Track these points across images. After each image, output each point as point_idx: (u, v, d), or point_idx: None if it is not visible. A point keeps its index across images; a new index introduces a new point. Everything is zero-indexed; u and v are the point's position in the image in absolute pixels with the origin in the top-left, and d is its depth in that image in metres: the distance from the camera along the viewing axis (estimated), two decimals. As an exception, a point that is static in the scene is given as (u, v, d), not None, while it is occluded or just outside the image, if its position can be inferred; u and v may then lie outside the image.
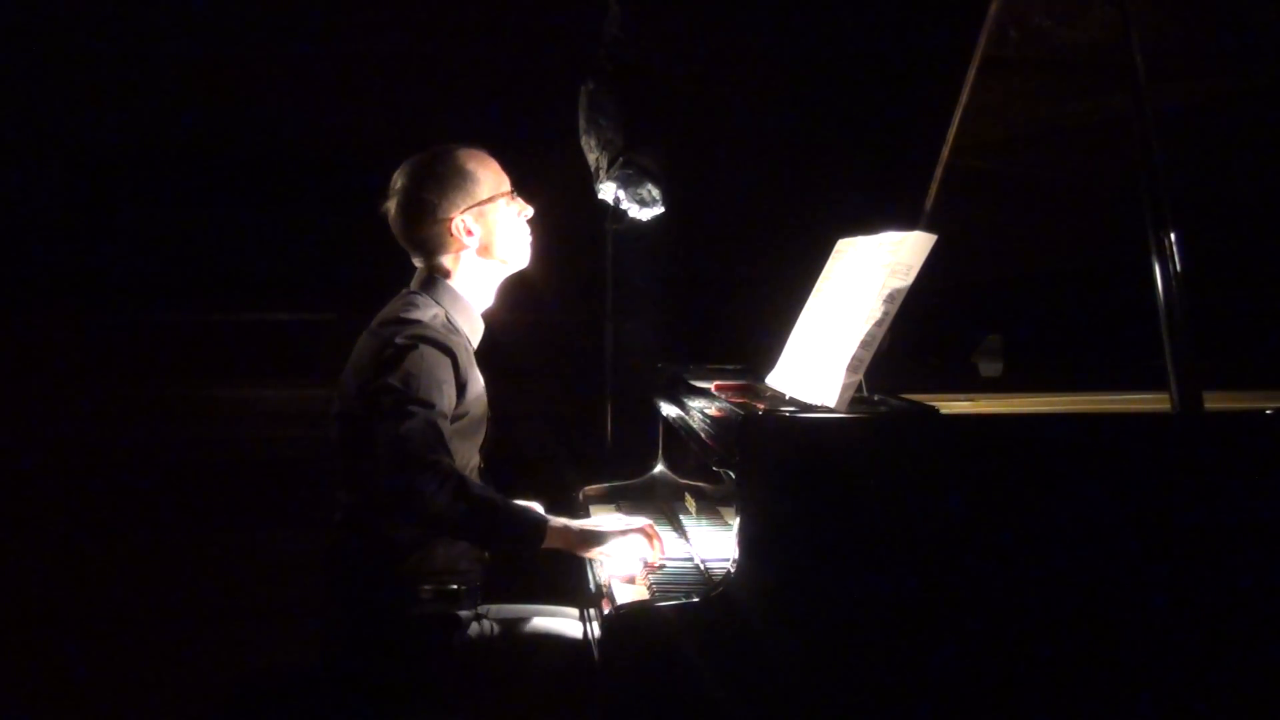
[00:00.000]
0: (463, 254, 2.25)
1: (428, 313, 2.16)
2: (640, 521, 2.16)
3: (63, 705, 3.51)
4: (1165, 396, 1.94)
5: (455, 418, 2.11)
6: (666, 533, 2.42)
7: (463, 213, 2.21)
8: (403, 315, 2.13)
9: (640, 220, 3.42)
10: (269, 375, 4.47)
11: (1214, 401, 1.94)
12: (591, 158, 3.42)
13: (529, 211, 2.32)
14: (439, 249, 2.24)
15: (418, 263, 2.29)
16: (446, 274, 2.25)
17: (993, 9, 2.19)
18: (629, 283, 3.80)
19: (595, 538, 2.10)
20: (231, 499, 4.37)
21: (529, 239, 2.33)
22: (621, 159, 3.30)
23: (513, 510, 2.06)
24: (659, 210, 3.38)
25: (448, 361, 2.09)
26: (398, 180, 2.25)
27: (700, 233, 4.59)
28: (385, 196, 2.27)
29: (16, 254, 4.99)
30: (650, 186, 3.32)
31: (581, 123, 3.44)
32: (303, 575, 2.31)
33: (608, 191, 3.39)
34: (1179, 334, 1.92)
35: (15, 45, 5.02)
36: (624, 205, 3.39)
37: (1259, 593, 1.88)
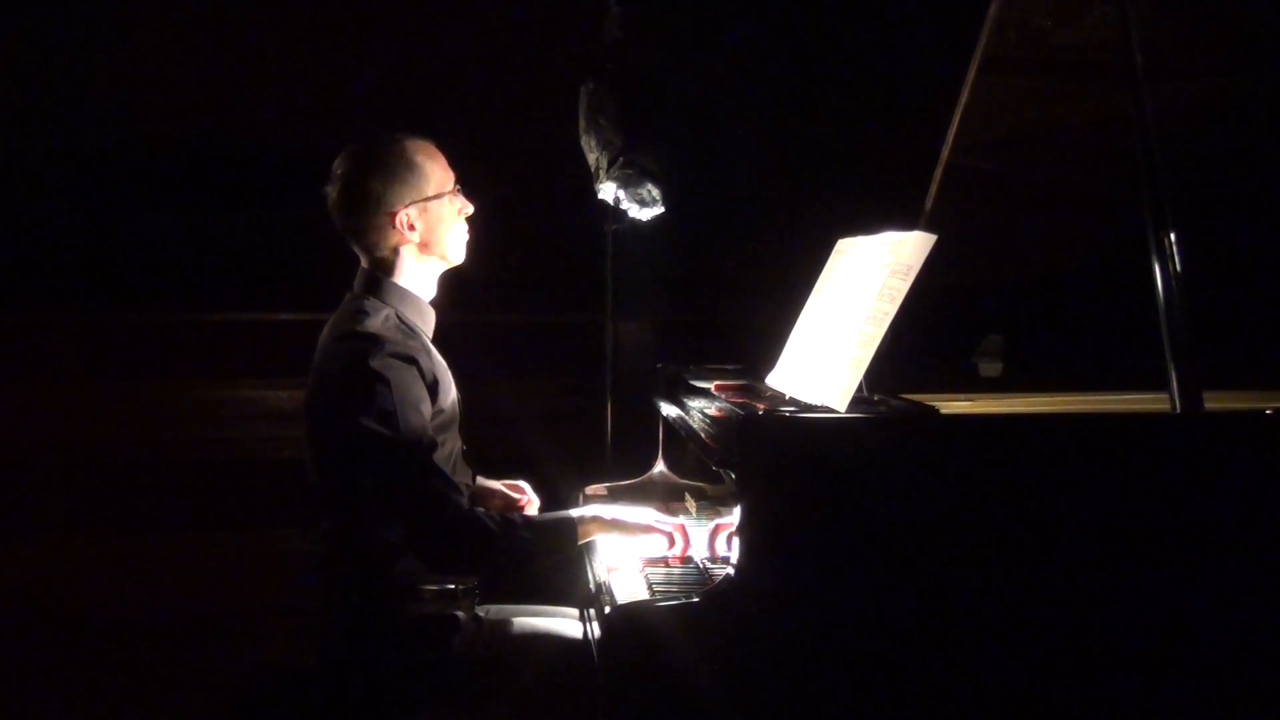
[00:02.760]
0: (403, 248, 2.19)
1: (379, 317, 2.11)
2: (673, 520, 2.19)
3: (62, 705, 3.51)
4: (1165, 396, 1.93)
5: (434, 414, 2.10)
6: None
7: (407, 207, 2.15)
8: (357, 328, 2.06)
9: (640, 220, 3.41)
10: (270, 375, 4.46)
11: (1214, 401, 1.94)
12: (591, 158, 3.42)
13: (470, 209, 2.26)
14: (379, 241, 2.18)
15: (360, 256, 2.23)
16: (389, 270, 2.20)
17: (993, 9, 2.18)
18: (629, 283, 3.80)
19: (628, 528, 2.13)
20: (232, 498, 4.36)
21: (467, 236, 2.28)
22: (621, 159, 3.29)
23: (542, 525, 2.07)
24: (659, 210, 3.38)
25: (414, 369, 2.05)
26: (341, 165, 2.18)
27: (700, 233, 4.59)
28: (327, 181, 2.20)
29: (17, 254, 4.99)
30: (650, 187, 3.32)
31: (581, 123, 3.44)
32: (302, 575, 2.31)
33: (608, 192, 3.39)
34: (1179, 334, 1.91)
35: (15, 45, 5.01)
36: (624, 205, 3.39)
37: (1259, 593, 1.87)
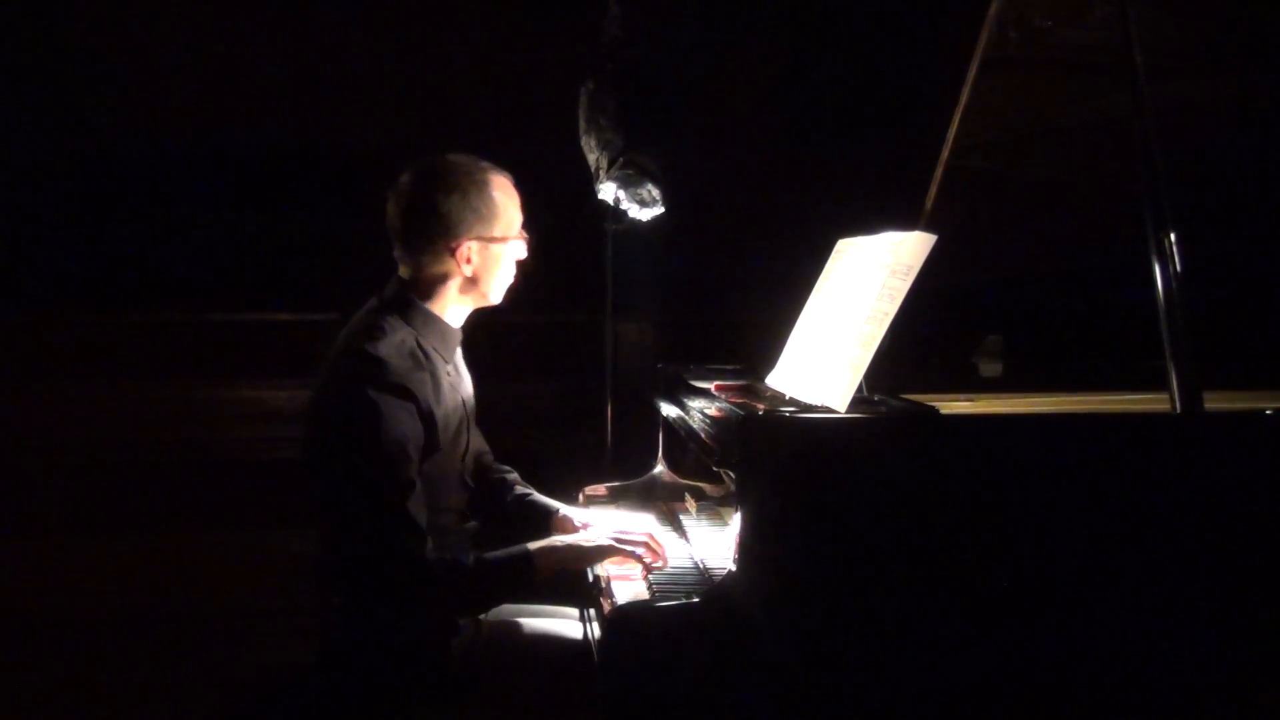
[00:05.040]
0: (451, 280, 2.12)
1: (394, 339, 2.03)
2: (639, 536, 2.12)
3: (62, 705, 3.50)
4: (1165, 396, 1.93)
5: (429, 452, 2.04)
6: (667, 533, 2.43)
7: (471, 240, 2.08)
8: (368, 350, 1.98)
9: (640, 220, 3.41)
10: (269, 375, 4.45)
11: (1214, 401, 1.93)
12: (591, 158, 3.42)
13: (524, 254, 2.19)
14: (430, 266, 2.10)
15: (401, 269, 2.15)
16: (427, 294, 2.12)
17: (993, 9, 2.18)
18: (629, 283, 3.80)
19: (587, 556, 2.08)
20: (231, 499, 4.36)
21: (511, 280, 2.21)
22: (621, 159, 3.29)
23: (495, 565, 2.00)
24: (659, 210, 3.38)
25: (410, 407, 1.98)
26: (413, 178, 2.09)
27: (700, 233, 4.59)
28: (392, 187, 2.12)
29: (17, 254, 4.98)
30: (650, 186, 3.32)
31: (581, 123, 3.44)
32: (302, 576, 2.30)
33: (608, 192, 3.39)
34: (1179, 334, 1.91)
35: (15, 46, 5.01)
36: (624, 205, 3.38)
37: (1260, 592, 1.87)
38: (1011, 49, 2.22)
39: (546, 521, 2.38)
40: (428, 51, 5.10)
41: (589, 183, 3.47)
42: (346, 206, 4.95)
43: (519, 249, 2.17)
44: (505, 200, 2.12)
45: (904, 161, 2.73)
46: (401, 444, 1.95)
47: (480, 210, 2.08)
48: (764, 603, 1.80)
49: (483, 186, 2.09)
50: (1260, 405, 2.01)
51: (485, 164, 2.13)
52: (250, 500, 4.30)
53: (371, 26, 5.15)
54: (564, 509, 2.42)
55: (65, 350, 4.54)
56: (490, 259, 2.12)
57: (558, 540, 2.09)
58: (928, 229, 2.01)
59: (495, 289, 2.17)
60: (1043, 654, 1.85)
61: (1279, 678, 1.89)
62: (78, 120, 5.10)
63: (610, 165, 3.30)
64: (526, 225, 2.19)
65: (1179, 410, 1.91)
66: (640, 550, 2.09)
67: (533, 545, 2.03)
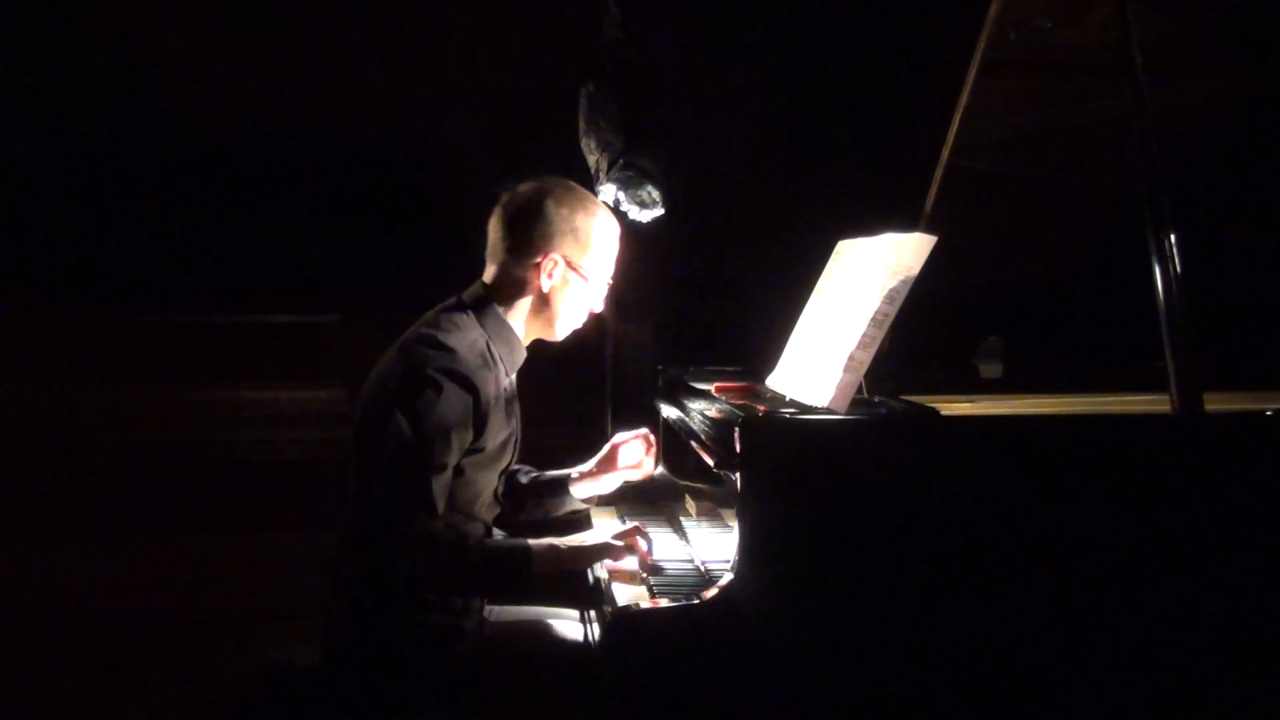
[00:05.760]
0: (529, 291, 2.16)
1: (468, 336, 2.09)
2: (628, 528, 2.17)
3: (65, 706, 3.51)
4: (1165, 398, 1.93)
5: (473, 451, 2.08)
6: (666, 534, 2.44)
7: (562, 255, 2.13)
8: (440, 338, 2.05)
9: (640, 222, 3.41)
10: (270, 377, 4.45)
11: (1214, 402, 1.93)
12: (591, 159, 3.42)
13: (600, 306, 2.25)
14: (514, 267, 2.15)
15: (488, 271, 2.19)
16: (504, 300, 2.17)
17: (993, 10, 2.18)
18: (629, 284, 3.79)
19: (585, 555, 2.12)
20: (231, 501, 4.36)
21: (579, 326, 2.27)
22: (621, 161, 3.29)
23: (495, 555, 2.06)
24: (659, 212, 3.38)
25: (469, 400, 2.03)
26: (535, 184, 2.16)
27: (700, 234, 4.58)
28: (511, 184, 2.18)
29: (19, 254, 4.98)
30: (650, 188, 3.32)
31: (581, 124, 3.44)
32: (305, 578, 2.31)
33: (608, 193, 3.39)
34: (1179, 335, 1.91)
35: (14, 46, 5.01)
36: (624, 207, 3.38)
37: (1260, 594, 1.87)
38: (1011, 50, 2.22)
39: (566, 487, 2.47)
40: (428, 53, 5.10)
41: (589, 184, 3.47)
42: (348, 208, 4.96)
43: (597, 293, 2.22)
44: (605, 239, 2.19)
45: (904, 162, 2.72)
46: (447, 428, 1.99)
47: (579, 232, 2.15)
48: (764, 604, 1.80)
49: (591, 215, 2.17)
50: (1260, 405, 2.01)
51: (605, 204, 2.23)
52: (250, 503, 4.30)
53: (372, 28, 5.15)
54: (575, 470, 2.49)
55: (64, 351, 4.54)
56: (569, 284, 2.17)
57: (558, 541, 2.11)
58: (927, 230, 2.01)
59: (564, 318, 2.21)
60: (1044, 655, 1.85)
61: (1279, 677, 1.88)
62: (79, 121, 5.10)
63: (610, 167, 3.30)
64: (615, 278, 2.24)
65: (1179, 411, 1.90)
66: (636, 538, 2.13)
67: (533, 542, 2.07)
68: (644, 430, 2.45)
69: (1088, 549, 1.85)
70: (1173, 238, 1.94)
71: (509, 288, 2.17)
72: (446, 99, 4.98)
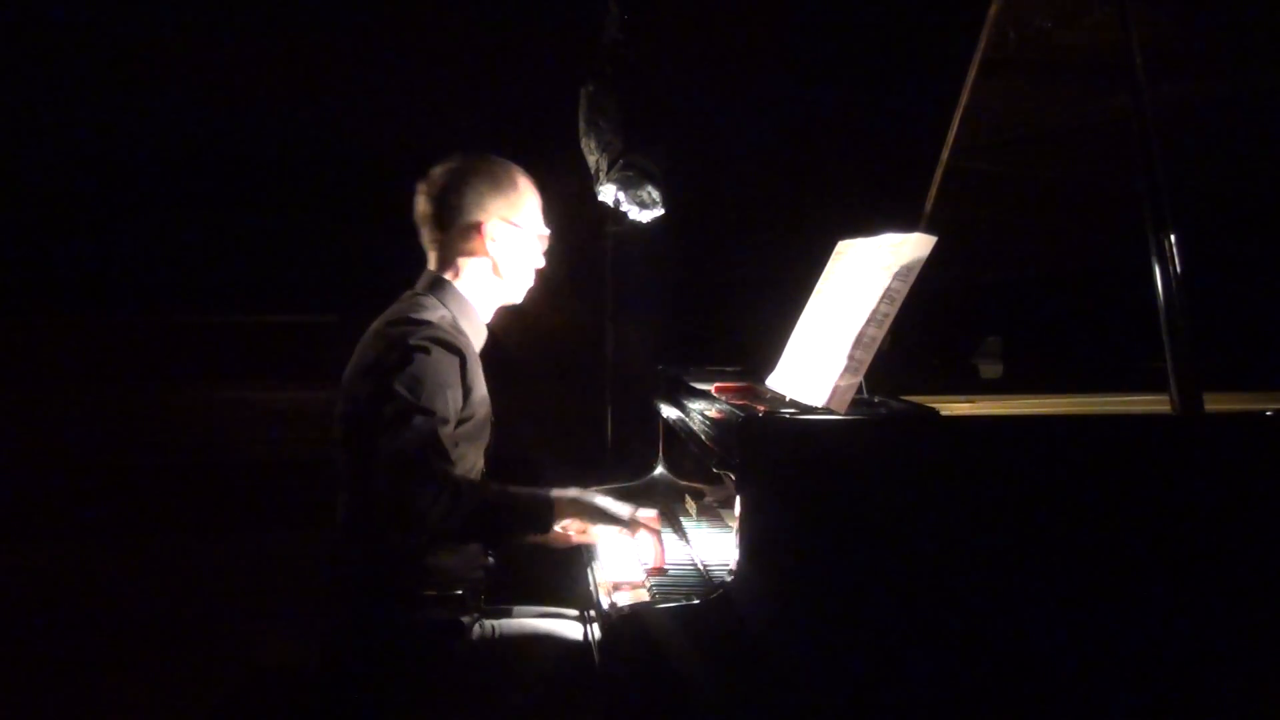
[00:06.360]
0: (476, 261, 2.24)
1: (435, 314, 2.15)
2: (650, 513, 2.16)
3: (62, 706, 3.49)
4: (1165, 398, 1.93)
5: (460, 421, 2.11)
6: (667, 535, 2.40)
7: (499, 220, 2.22)
8: (412, 315, 2.12)
9: (640, 222, 3.40)
10: (270, 377, 4.45)
11: (1214, 403, 1.93)
12: (591, 160, 3.42)
13: (542, 263, 2.32)
14: (459, 246, 2.23)
15: (431, 259, 2.27)
16: (455, 274, 2.24)
17: (993, 10, 2.18)
18: (629, 284, 3.79)
19: (605, 517, 2.11)
20: (233, 501, 4.35)
21: (532, 283, 2.33)
22: (621, 161, 3.29)
23: (516, 498, 2.07)
24: (659, 212, 3.38)
25: (456, 362, 2.09)
26: (446, 166, 2.24)
27: (700, 234, 4.58)
28: (423, 178, 2.24)
29: (18, 256, 4.98)
30: (650, 188, 3.32)
31: (581, 124, 3.43)
32: (303, 578, 2.30)
33: (607, 193, 3.39)
34: (1179, 335, 1.91)
35: (13, 45, 5.00)
36: (624, 207, 3.38)
37: (1260, 594, 1.87)
38: (1011, 50, 2.22)
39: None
40: (426, 53, 5.10)
41: (589, 185, 3.46)
42: (346, 209, 4.96)
43: (539, 248, 2.30)
44: (531, 196, 2.29)
45: (904, 163, 2.72)
46: (443, 385, 2.03)
47: (509, 194, 2.24)
48: (765, 606, 1.80)
49: (511, 176, 2.26)
50: (1260, 406, 2.01)
51: (515, 165, 2.29)
52: (250, 502, 4.29)
53: (371, 29, 5.14)
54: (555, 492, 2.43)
55: (63, 353, 4.53)
56: (513, 243, 2.25)
57: (582, 495, 2.13)
58: (927, 230, 2.01)
59: (517, 278, 2.29)
60: (1045, 656, 1.84)
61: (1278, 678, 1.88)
62: (76, 122, 5.09)
63: (610, 167, 3.30)
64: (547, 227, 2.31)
65: (1179, 411, 1.90)
66: (654, 541, 2.11)
67: (556, 492, 2.09)
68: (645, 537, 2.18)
69: (1089, 551, 1.84)
70: (1173, 238, 1.93)
71: (457, 265, 2.25)
72: (447, 99, 4.98)
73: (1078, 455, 1.87)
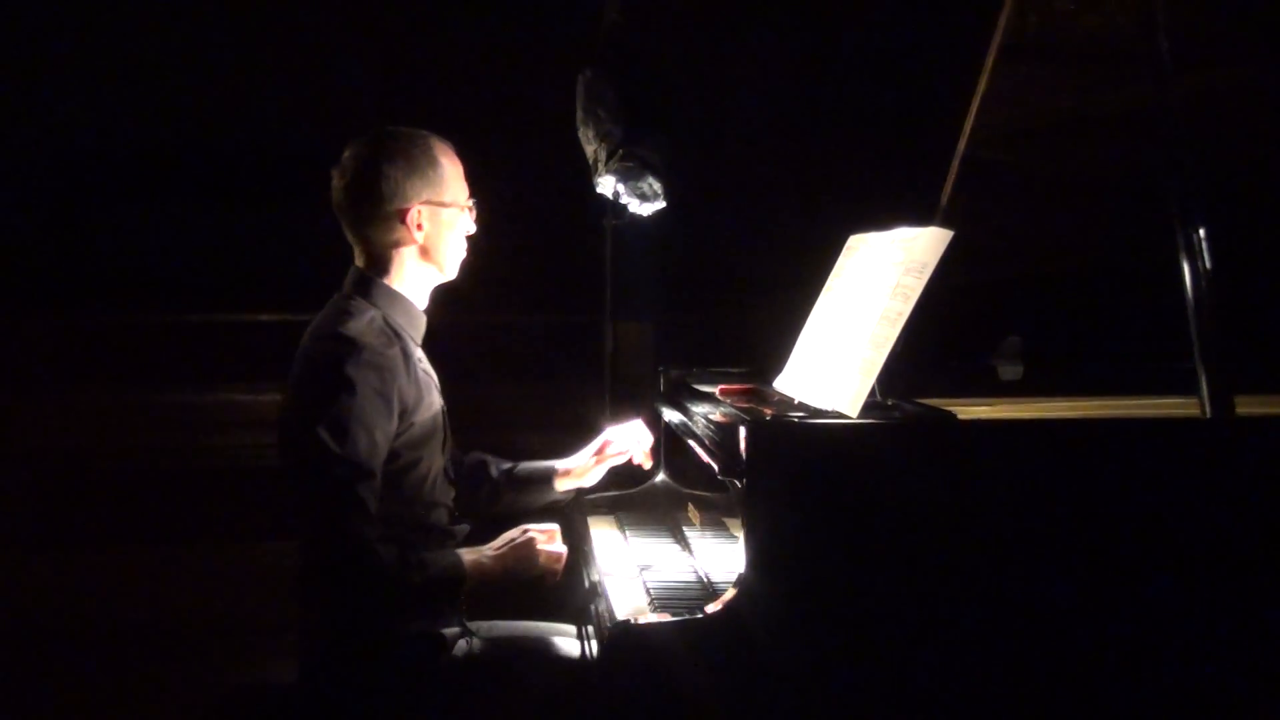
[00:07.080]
0: (404, 249, 2.14)
1: (363, 320, 2.06)
2: (545, 530, 2.16)
3: (47, 717, 3.48)
4: (1195, 400, 1.90)
5: (402, 432, 2.05)
6: (669, 545, 2.46)
7: (421, 205, 2.10)
8: (338, 330, 2.02)
9: (641, 215, 3.36)
10: (251, 379, 4.40)
11: (1246, 406, 1.90)
12: (589, 150, 3.37)
13: (473, 229, 2.23)
14: (382, 237, 2.12)
15: (356, 253, 2.17)
16: (384, 270, 2.14)
17: (1011, -7, 2.18)
18: (629, 281, 3.75)
19: (512, 574, 2.09)
20: (212, 508, 4.31)
21: (464, 255, 2.24)
22: (621, 151, 3.25)
23: (431, 574, 2.02)
24: (660, 205, 3.33)
25: (385, 388, 2.00)
26: (357, 150, 2.12)
27: (704, 228, 4.55)
28: (336, 164, 2.14)
29: (8, 254, 4.95)
30: (651, 180, 3.28)
31: (579, 113, 3.39)
32: (284, 589, 2.25)
33: (606, 185, 3.35)
34: (1209, 335, 1.87)
35: (5, 46, 4.98)
36: (624, 200, 3.35)
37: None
38: (1031, 35, 2.19)
39: (549, 481, 2.46)
40: (421, 42, 5.08)
41: (587, 176, 3.41)
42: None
43: (468, 220, 2.21)
44: (451, 168, 2.17)
45: (919, 154, 2.69)
46: (369, 428, 1.97)
47: (428, 174, 2.12)
48: (771, 619, 1.76)
49: (428, 152, 2.13)
50: (1296, 409, 2.00)
51: (427, 133, 2.16)
52: (233, 510, 4.24)
53: (366, 20, 5.12)
54: (560, 464, 2.48)
55: (40, 354, 4.50)
56: (441, 225, 2.15)
57: (487, 560, 2.10)
58: (943, 224, 2.02)
59: (449, 259, 2.20)
60: (1067, 670, 1.81)
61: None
62: (55, 118, 5.08)
63: (609, 157, 3.26)
64: (474, 197, 2.22)
65: (1209, 415, 1.87)
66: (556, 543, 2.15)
67: (466, 557, 2.07)
68: (637, 420, 2.48)
69: (1115, 560, 1.81)
70: (1202, 233, 1.90)
71: (384, 257, 2.15)
72: (440, 89, 4.96)
73: (1104, 462, 1.85)
